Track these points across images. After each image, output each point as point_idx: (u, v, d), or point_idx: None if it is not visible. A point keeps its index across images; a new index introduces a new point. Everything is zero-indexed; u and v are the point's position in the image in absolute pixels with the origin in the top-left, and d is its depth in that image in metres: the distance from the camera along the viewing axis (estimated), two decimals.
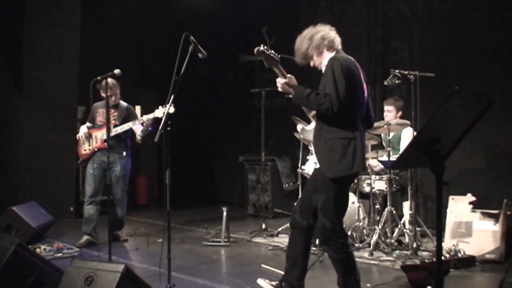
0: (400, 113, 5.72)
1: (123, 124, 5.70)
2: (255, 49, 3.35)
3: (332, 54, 3.51)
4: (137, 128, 5.70)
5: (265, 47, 3.40)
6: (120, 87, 5.87)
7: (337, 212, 3.40)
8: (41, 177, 7.26)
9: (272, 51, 3.45)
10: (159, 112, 5.00)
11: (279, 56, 3.47)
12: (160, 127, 3.79)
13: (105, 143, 5.57)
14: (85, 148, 5.77)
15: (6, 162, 7.19)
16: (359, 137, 3.36)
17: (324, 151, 3.38)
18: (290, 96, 3.46)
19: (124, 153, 5.84)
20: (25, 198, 6.33)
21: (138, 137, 5.82)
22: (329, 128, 3.37)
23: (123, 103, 5.94)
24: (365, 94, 3.53)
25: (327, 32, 3.55)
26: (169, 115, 3.85)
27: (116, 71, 4.64)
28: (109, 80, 5.44)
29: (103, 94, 5.74)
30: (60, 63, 7.50)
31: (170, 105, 3.86)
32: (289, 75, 3.50)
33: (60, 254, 5.07)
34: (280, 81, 3.47)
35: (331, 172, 3.34)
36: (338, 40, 3.57)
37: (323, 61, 3.54)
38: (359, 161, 3.32)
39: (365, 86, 3.53)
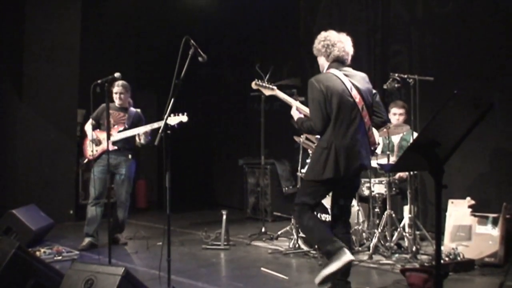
0: (406, 117, 5.74)
1: (131, 127, 5.73)
2: (252, 84, 4.12)
3: (327, 64, 3.94)
4: (142, 135, 5.71)
5: (259, 81, 4.12)
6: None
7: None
8: (40, 180, 7.26)
9: (266, 83, 4.15)
10: (172, 120, 4.96)
11: (273, 85, 4.14)
12: (160, 131, 3.81)
13: (113, 145, 5.60)
14: (92, 149, 5.78)
15: (6, 165, 7.19)
16: (335, 148, 3.71)
17: (313, 159, 3.93)
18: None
19: (130, 156, 5.86)
20: (24, 201, 6.32)
21: (138, 142, 5.82)
22: (319, 139, 3.93)
23: (132, 108, 5.99)
24: (356, 101, 3.80)
25: (332, 43, 3.90)
26: (181, 123, 4.40)
27: (117, 74, 4.65)
28: (121, 81, 5.70)
29: (115, 94, 5.80)
30: (60, 66, 7.51)
31: (171, 110, 3.86)
32: (295, 108, 4.04)
33: (59, 257, 5.06)
34: (292, 112, 4.06)
35: (305, 175, 3.99)
36: (334, 52, 3.89)
37: (324, 69, 3.98)
38: (329, 170, 3.70)
39: (354, 93, 3.80)
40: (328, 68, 3.91)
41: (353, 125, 3.76)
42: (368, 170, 5.69)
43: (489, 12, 5.97)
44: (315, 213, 4.17)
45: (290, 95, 4.24)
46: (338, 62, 3.89)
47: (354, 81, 3.85)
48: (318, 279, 3.58)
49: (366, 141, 3.86)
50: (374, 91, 4.00)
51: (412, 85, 5.19)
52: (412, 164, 2.83)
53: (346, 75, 3.84)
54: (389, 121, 4.12)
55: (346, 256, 3.52)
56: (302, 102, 4.15)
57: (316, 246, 3.99)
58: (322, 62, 3.98)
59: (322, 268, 3.63)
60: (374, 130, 4.00)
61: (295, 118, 4.00)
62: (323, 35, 3.97)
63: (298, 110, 4.03)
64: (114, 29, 9.08)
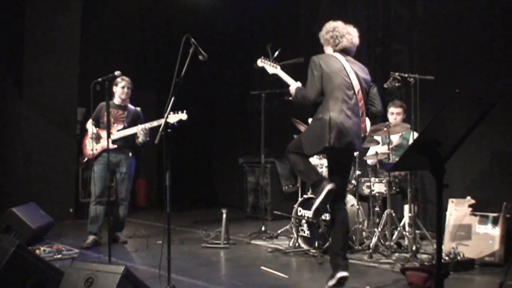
0: (405, 117, 5.74)
1: (130, 125, 5.72)
2: (257, 61, 4.28)
3: (331, 50, 4.15)
4: (140, 134, 5.71)
5: (264, 59, 4.28)
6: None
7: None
8: (40, 179, 7.26)
9: (271, 62, 4.30)
10: (172, 118, 4.95)
11: (277, 64, 4.29)
12: (160, 129, 3.80)
13: (114, 144, 5.60)
14: (92, 148, 5.78)
15: (6, 163, 7.19)
16: (331, 120, 3.86)
17: (306, 130, 4.13)
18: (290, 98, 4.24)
19: (130, 154, 5.87)
20: (24, 199, 6.32)
21: (138, 141, 5.82)
22: (314, 113, 4.03)
23: (131, 106, 5.97)
24: (353, 83, 4.01)
25: (341, 34, 4.10)
26: (181, 121, 4.38)
27: (117, 72, 4.65)
28: (125, 77, 5.71)
29: (116, 89, 5.80)
30: (60, 64, 7.51)
31: (171, 108, 3.86)
32: (295, 86, 4.18)
33: (59, 256, 5.06)
34: (290, 89, 4.22)
35: (306, 150, 4.03)
36: (343, 42, 4.11)
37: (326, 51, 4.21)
38: (326, 139, 3.85)
39: (352, 75, 4.02)
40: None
41: (348, 103, 3.97)
42: (369, 169, 5.71)
43: (489, 11, 5.96)
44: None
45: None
46: (344, 52, 4.12)
47: (354, 67, 4.08)
48: (311, 212, 4.09)
49: (359, 124, 4.05)
50: (372, 83, 4.21)
51: (412, 84, 5.19)
52: (414, 163, 2.83)
53: (347, 60, 4.08)
54: (383, 114, 4.26)
55: (329, 186, 3.88)
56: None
57: (302, 175, 4.30)
58: (329, 51, 4.17)
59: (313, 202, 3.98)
60: (367, 119, 4.17)
61: (293, 89, 4.17)
62: (332, 25, 4.14)
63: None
64: (114, 27, 9.07)
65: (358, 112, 4.03)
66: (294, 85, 4.18)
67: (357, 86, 4.01)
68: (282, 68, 4.36)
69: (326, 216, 5.33)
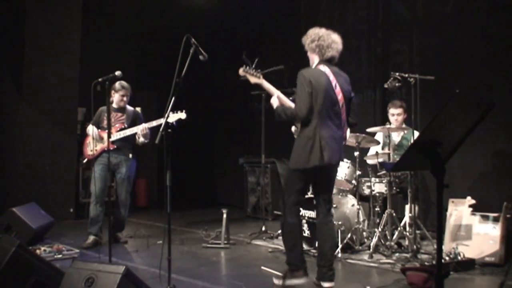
0: (406, 116, 5.74)
1: (130, 126, 5.73)
2: (239, 71, 4.14)
3: (317, 60, 4.12)
4: (140, 135, 5.71)
5: (247, 68, 4.17)
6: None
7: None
8: (41, 179, 7.26)
9: (253, 71, 4.18)
10: (171, 118, 4.95)
11: (259, 72, 4.20)
12: (160, 129, 3.80)
13: (113, 144, 5.60)
14: (92, 148, 5.79)
15: (6, 163, 7.19)
16: (320, 137, 3.91)
17: (293, 147, 4.06)
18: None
19: (130, 155, 5.87)
20: (25, 199, 6.32)
21: (138, 142, 5.82)
22: (301, 131, 4.02)
23: (130, 108, 5.98)
24: (337, 98, 4.02)
25: (327, 44, 4.07)
26: (180, 121, 4.32)
27: (117, 72, 4.65)
28: (123, 82, 5.70)
29: (115, 95, 5.79)
30: (61, 64, 7.52)
31: (171, 108, 3.86)
32: (276, 95, 4.16)
33: (60, 256, 5.06)
34: (271, 100, 4.21)
35: (292, 164, 4.05)
36: (330, 52, 4.09)
37: (313, 64, 4.17)
38: (315, 158, 3.91)
39: (338, 90, 4.03)
40: (318, 64, 4.11)
41: (334, 119, 4.02)
42: (369, 169, 5.71)
43: (489, 11, 5.96)
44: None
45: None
46: (330, 61, 4.11)
47: (339, 80, 4.07)
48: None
49: (342, 136, 4.13)
50: (352, 93, 4.25)
51: (412, 84, 5.19)
52: (414, 163, 2.83)
53: (333, 72, 4.06)
54: (355, 125, 4.31)
55: (303, 280, 4.03)
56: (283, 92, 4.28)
57: (284, 246, 4.22)
58: (314, 58, 4.17)
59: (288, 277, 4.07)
60: (348, 129, 4.26)
61: (275, 105, 4.13)
62: (315, 32, 4.11)
63: (278, 99, 4.16)
64: (114, 27, 9.07)
65: (342, 124, 4.10)
66: (275, 102, 4.14)
67: (341, 100, 4.06)
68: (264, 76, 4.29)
69: None
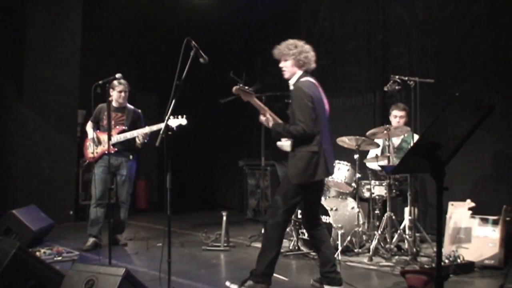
0: (407, 120, 5.75)
1: (131, 127, 5.74)
2: (233, 89, 4.02)
3: (297, 72, 4.10)
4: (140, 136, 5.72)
5: (241, 85, 4.09)
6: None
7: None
8: (41, 181, 7.26)
9: (247, 87, 4.11)
10: (172, 122, 4.96)
11: (252, 89, 4.15)
12: (161, 132, 3.81)
13: (114, 147, 5.61)
14: (92, 151, 5.78)
15: (6, 166, 7.19)
16: (323, 151, 3.95)
17: (294, 162, 3.99)
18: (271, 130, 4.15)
19: (131, 156, 5.87)
20: (25, 202, 6.32)
21: (138, 143, 5.82)
22: (301, 146, 3.97)
23: (130, 106, 5.97)
24: (326, 109, 4.14)
25: (310, 57, 4.11)
26: (181, 126, 4.34)
27: (118, 75, 4.65)
28: (122, 80, 5.65)
29: (113, 93, 5.78)
30: (61, 67, 7.52)
31: (171, 111, 3.86)
32: (267, 114, 4.15)
33: (60, 258, 5.05)
34: (261, 118, 4.20)
35: (295, 179, 3.97)
36: (312, 65, 4.14)
37: (294, 75, 4.12)
38: (321, 172, 3.94)
39: (325, 101, 4.13)
40: (302, 76, 4.10)
41: (328, 132, 4.13)
42: (369, 172, 5.71)
43: (489, 14, 5.98)
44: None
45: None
46: (308, 72, 4.15)
47: (322, 91, 4.16)
48: None
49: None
50: None
51: (412, 87, 5.20)
52: (414, 166, 2.84)
53: (317, 85, 4.14)
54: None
55: None
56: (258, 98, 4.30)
57: (259, 259, 4.12)
58: (292, 68, 4.11)
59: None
60: None
61: (270, 124, 4.12)
62: (299, 44, 4.11)
63: (272, 117, 4.15)
64: (115, 29, 9.07)
65: (330, 135, 4.20)
66: (270, 121, 4.12)
67: (328, 111, 4.18)
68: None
69: (327, 219, 5.35)
